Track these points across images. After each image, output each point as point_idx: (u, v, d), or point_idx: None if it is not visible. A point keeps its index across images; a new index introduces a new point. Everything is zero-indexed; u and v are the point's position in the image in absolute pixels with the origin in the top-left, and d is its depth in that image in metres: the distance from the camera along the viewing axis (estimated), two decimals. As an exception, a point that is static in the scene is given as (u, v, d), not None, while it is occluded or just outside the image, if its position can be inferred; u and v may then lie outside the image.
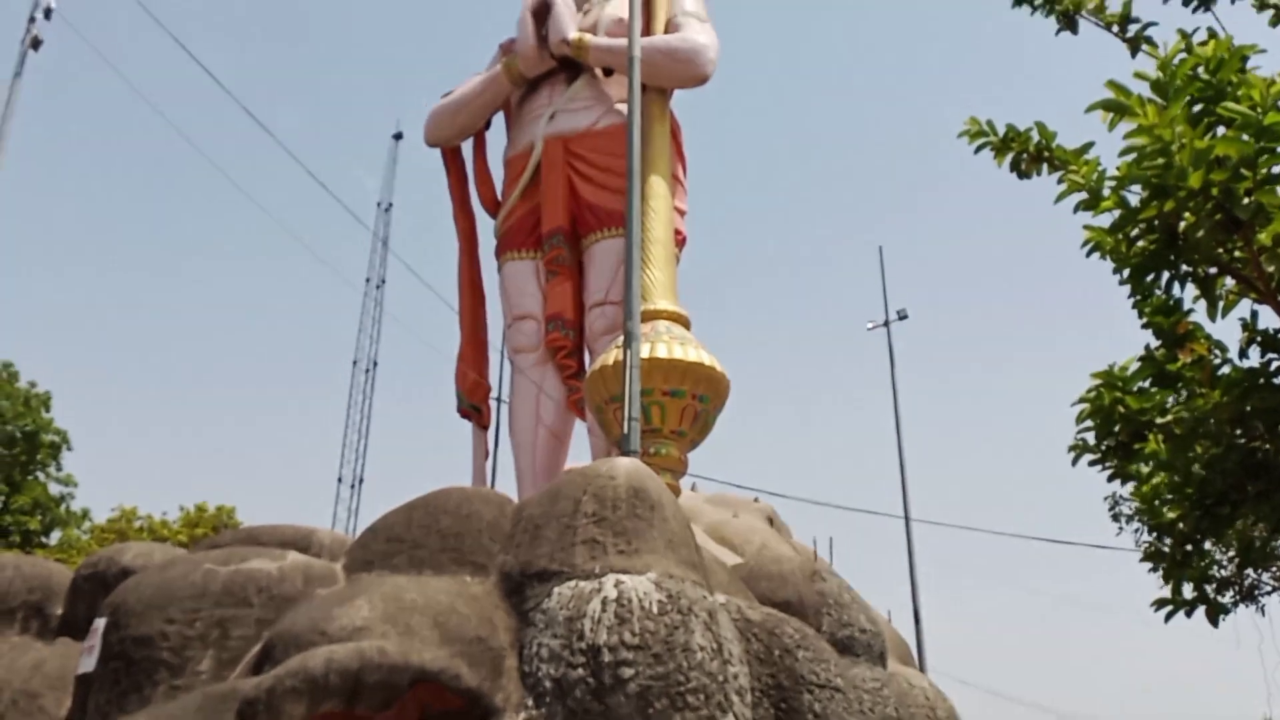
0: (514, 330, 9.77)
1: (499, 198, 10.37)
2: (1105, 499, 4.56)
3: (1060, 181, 3.02)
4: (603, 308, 9.29)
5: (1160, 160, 2.41)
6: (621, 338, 7.73)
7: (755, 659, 5.36)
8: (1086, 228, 3.15)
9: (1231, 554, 3.35)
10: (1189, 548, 3.14)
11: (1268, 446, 2.82)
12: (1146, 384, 3.14)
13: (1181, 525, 3.09)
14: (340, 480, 22.67)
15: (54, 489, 24.31)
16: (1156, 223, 2.55)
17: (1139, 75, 2.66)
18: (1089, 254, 3.12)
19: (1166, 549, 3.21)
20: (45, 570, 6.23)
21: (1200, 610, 3.14)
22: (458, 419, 10.16)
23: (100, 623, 5.28)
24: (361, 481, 22.56)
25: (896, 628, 8.81)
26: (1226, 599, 3.58)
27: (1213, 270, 2.69)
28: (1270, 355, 2.92)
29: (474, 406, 10.02)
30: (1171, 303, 3.02)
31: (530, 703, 4.59)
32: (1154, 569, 3.25)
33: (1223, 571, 3.33)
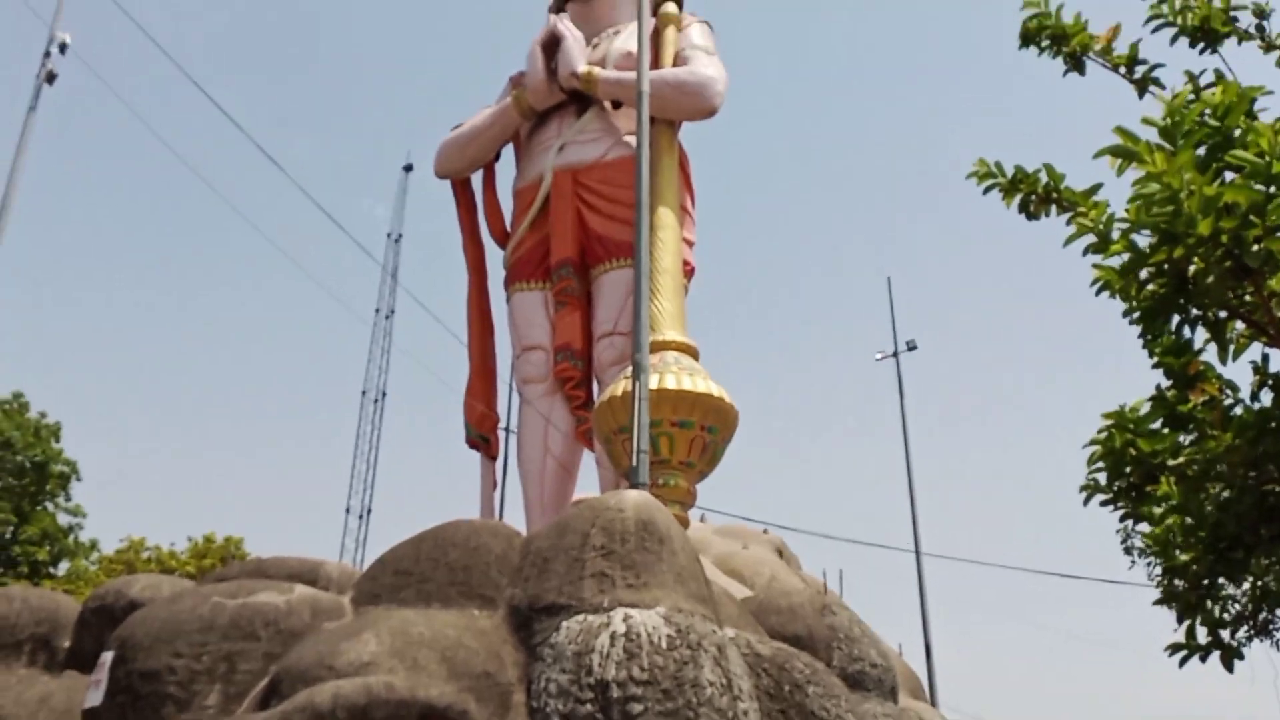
0: (522, 361, 9.80)
1: (508, 229, 10.43)
2: (1117, 531, 4.53)
3: (1069, 223, 3.03)
4: (611, 338, 9.30)
5: (1169, 207, 2.42)
6: (630, 368, 7.73)
7: (765, 694, 5.32)
8: (1096, 266, 3.15)
9: (1246, 598, 3.32)
10: (1203, 591, 3.12)
11: (1281, 490, 2.81)
12: (1158, 425, 3.13)
13: (1195, 568, 3.08)
14: (348, 511, 22.66)
15: (63, 519, 24.34)
16: (1166, 266, 2.56)
17: (1147, 121, 2.68)
18: (1098, 293, 3.12)
19: (1180, 592, 3.18)
20: (53, 602, 6.23)
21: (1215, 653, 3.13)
22: (466, 449, 10.17)
23: (107, 656, 5.27)
24: (370, 512, 22.54)
25: (907, 661, 8.74)
26: (1241, 635, 3.54)
27: (1223, 314, 2.69)
28: (1283, 399, 2.91)
29: (482, 437, 10.02)
30: (1182, 342, 3.02)
31: (538, 740, 4.56)
32: (1169, 606, 3.22)
33: (1236, 608, 3.30)
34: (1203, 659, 3.07)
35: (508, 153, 10.86)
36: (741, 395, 8.70)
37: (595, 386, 9.55)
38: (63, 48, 9.76)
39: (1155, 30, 3.79)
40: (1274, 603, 3.27)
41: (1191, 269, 2.54)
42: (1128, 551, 4.01)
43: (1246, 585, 3.31)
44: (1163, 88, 3.67)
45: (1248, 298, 2.59)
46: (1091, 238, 2.88)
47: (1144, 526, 3.49)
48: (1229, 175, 2.56)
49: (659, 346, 8.55)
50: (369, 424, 23.35)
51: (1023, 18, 3.86)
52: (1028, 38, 3.83)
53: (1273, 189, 2.35)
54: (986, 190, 3.43)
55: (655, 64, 9.71)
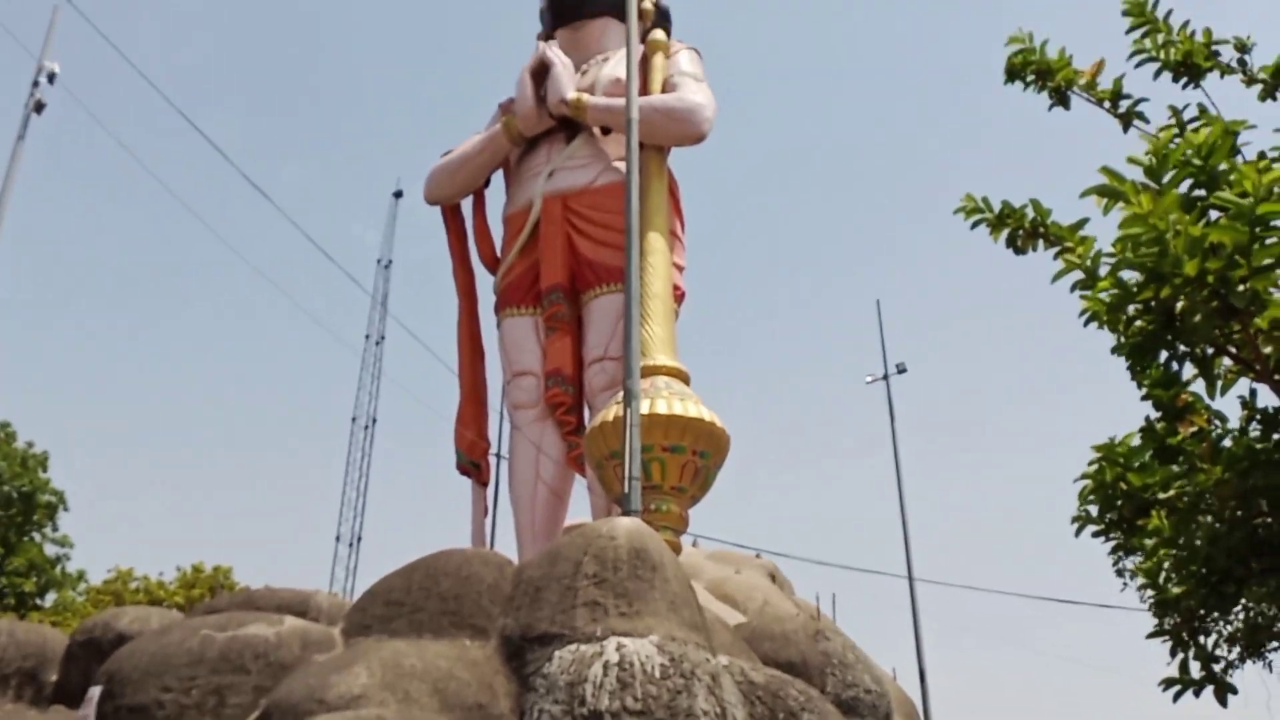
0: (513, 386, 9.79)
1: (498, 255, 10.45)
2: (1109, 554, 4.55)
3: (1056, 258, 3.07)
4: (602, 363, 9.31)
5: (1155, 248, 2.45)
6: (621, 393, 7.74)
7: (759, 723, 5.30)
8: (1084, 297, 3.18)
9: (1239, 631, 3.34)
10: (1195, 625, 3.14)
11: (1271, 523, 2.82)
12: (1148, 458, 3.15)
13: (1187, 602, 3.09)
14: (339, 539, 22.50)
15: (50, 550, 24.08)
16: (1153, 304, 2.59)
17: (1132, 160, 2.71)
18: (1087, 323, 3.14)
19: (1173, 626, 3.20)
20: (40, 636, 6.17)
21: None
22: (457, 476, 10.14)
23: (95, 691, 5.23)
24: (360, 540, 22.39)
25: (902, 685, 8.72)
26: (1233, 655, 3.56)
27: (1210, 350, 2.72)
28: (1272, 434, 2.93)
29: (473, 463, 9.99)
30: (1171, 374, 3.04)
31: (531, 773, 4.53)
32: (1162, 640, 3.23)
33: (1227, 644, 3.31)
34: (1196, 694, 3.07)
35: (498, 179, 10.90)
36: (732, 419, 8.72)
37: (586, 412, 9.55)
38: (51, 77, 9.79)
39: (1139, 65, 3.85)
40: (1266, 636, 3.28)
41: (1179, 307, 2.57)
42: (1120, 574, 4.03)
43: (1239, 616, 3.33)
44: (1147, 121, 3.73)
45: (1235, 335, 2.62)
46: (1079, 274, 2.92)
47: (1136, 562, 3.51)
48: (1214, 214, 2.60)
49: (650, 371, 8.56)
50: (359, 451, 23.23)
51: (1008, 53, 3.92)
52: (1013, 73, 3.89)
53: (1257, 229, 2.39)
54: (974, 226, 3.46)
55: (644, 90, 9.77)
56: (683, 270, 10.03)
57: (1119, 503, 3.18)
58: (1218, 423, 3.19)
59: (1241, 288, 2.44)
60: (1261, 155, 3.19)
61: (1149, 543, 3.23)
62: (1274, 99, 3.75)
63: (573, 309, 9.68)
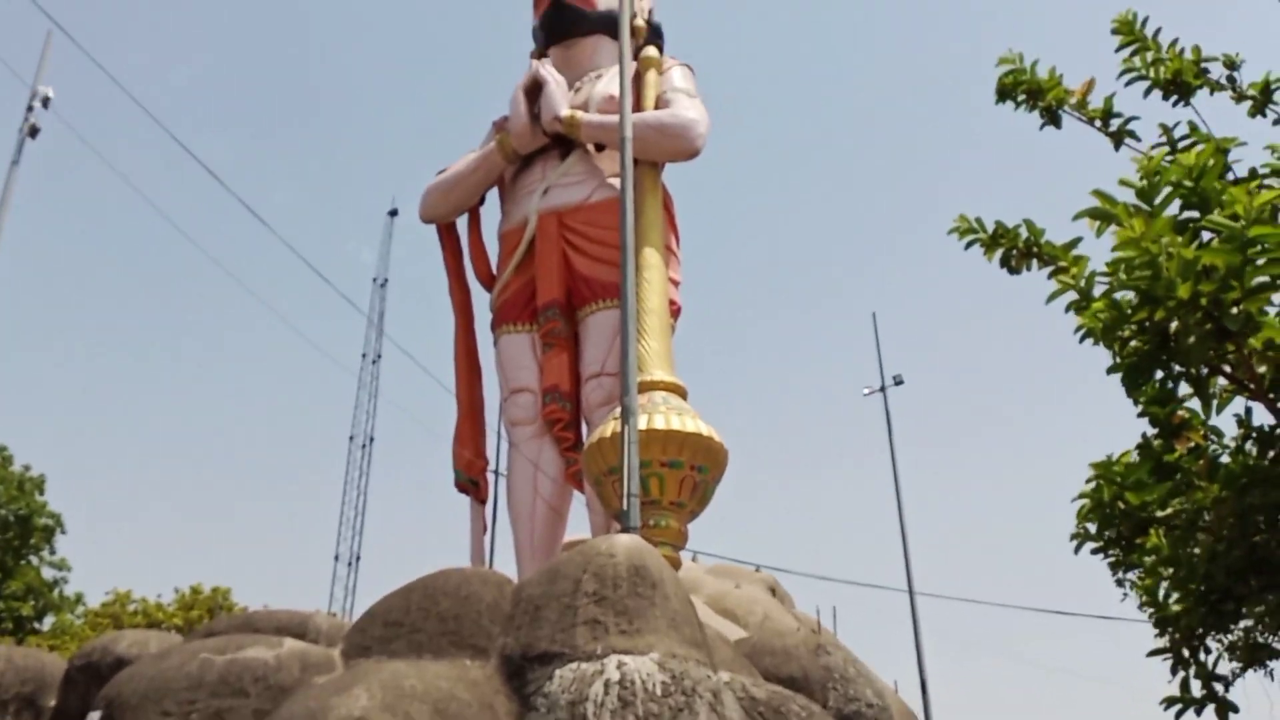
0: (510, 403, 9.80)
1: (494, 272, 10.47)
2: (1109, 567, 4.55)
3: (1050, 278, 3.09)
4: (599, 379, 9.32)
5: (1149, 271, 2.48)
6: (619, 409, 7.74)
7: (761, 741, 5.29)
8: (1079, 314, 3.19)
9: (1238, 648, 3.34)
10: (1195, 643, 3.15)
11: (1269, 540, 2.83)
12: (1145, 475, 3.16)
13: (1187, 620, 3.10)
14: (337, 558, 22.41)
15: (47, 573, 23.98)
16: (1148, 325, 2.61)
17: (1124, 183, 2.74)
18: (1081, 340, 3.16)
19: (1172, 644, 3.21)
20: (38, 661, 6.15)
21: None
22: (456, 494, 10.13)
23: (94, 716, 5.20)
24: (359, 559, 22.30)
25: (903, 698, 8.71)
26: (1233, 669, 3.56)
27: (1205, 370, 2.74)
28: (1269, 451, 2.95)
29: (471, 481, 9.99)
30: (1166, 391, 3.06)
31: (533, 796, 4.51)
32: (1163, 658, 3.24)
33: (1225, 662, 3.32)
34: (1198, 713, 3.08)
35: (492, 197, 10.93)
36: (730, 433, 8.74)
37: (584, 428, 9.55)
38: (45, 102, 9.82)
39: (1129, 83, 3.88)
40: (1266, 654, 3.29)
41: (1173, 329, 2.59)
42: (1120, 584, 4.03)
43: (1238, 633, 3.33)
44: (1138, 140, 3.75)
45: (1229, 355, 2.64)
46: (1073, 295, 2.94)
47: (1135, 578, 3.51)
48: (1206, 235, 2.62)
49: (647, 386, 8.57)
50: (357, 470, 23.15)
51: (998, 74, 3.95)
52: (1004, 93, 3.92)
53: (1249, 251, 2.41)
54: (968, 246, 3.48)
55: (637, 107, 9.81)
56: (678, 285, 10.06)
57: (1117, 521, 3.19)
58: (1214, 439, 3.22)
59: (1235, 310, 2.46)
60: (1253, 172, 3.22)
61: (1148, 560, 3.24)
62: (1263, 115, 3.78)
63: (569, 325, 9.70)
